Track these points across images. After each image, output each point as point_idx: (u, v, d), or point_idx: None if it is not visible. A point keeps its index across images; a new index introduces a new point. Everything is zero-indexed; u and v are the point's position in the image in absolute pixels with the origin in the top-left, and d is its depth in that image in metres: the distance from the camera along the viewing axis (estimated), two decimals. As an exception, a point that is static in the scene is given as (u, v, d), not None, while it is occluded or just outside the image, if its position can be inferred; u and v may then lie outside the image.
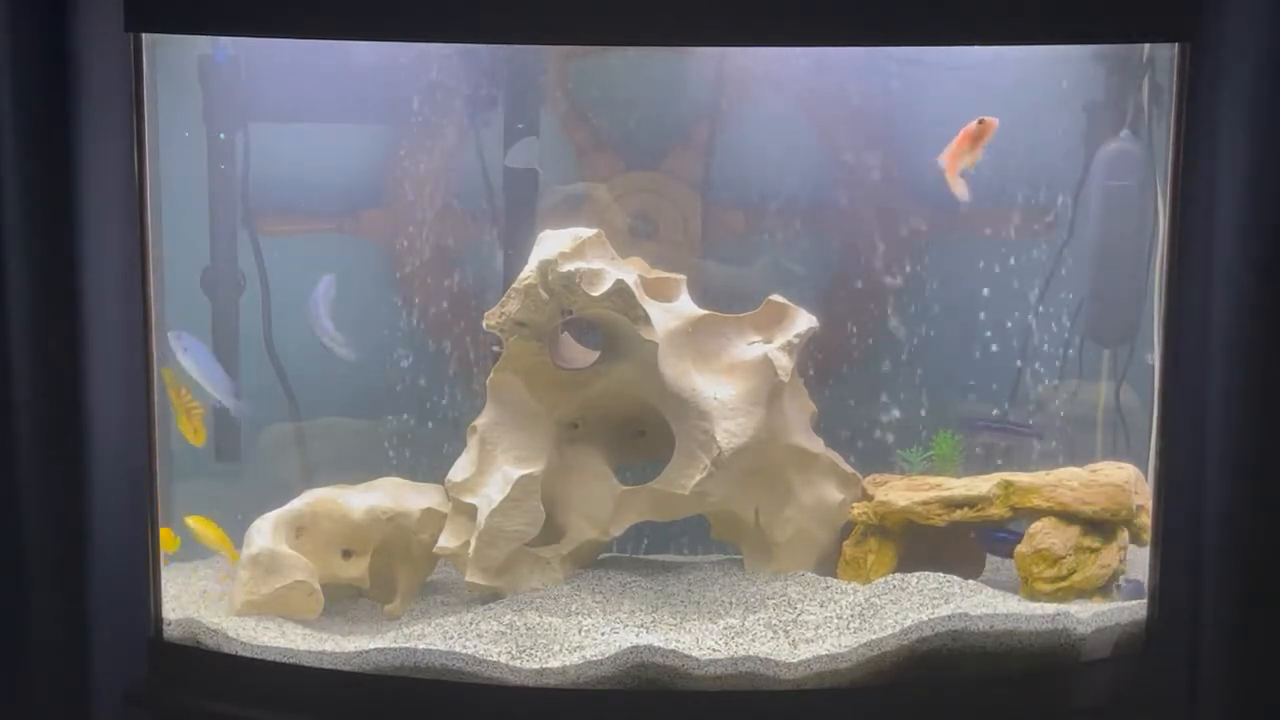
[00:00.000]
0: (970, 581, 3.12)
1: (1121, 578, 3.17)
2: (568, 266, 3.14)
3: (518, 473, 3.17)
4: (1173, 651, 3.23)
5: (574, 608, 3.10)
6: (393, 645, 2.98)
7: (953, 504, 3.21)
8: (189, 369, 3.26)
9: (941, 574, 3.12)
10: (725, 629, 3.03)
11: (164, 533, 3.17)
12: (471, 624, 3.04)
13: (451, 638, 2.99)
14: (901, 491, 3.25)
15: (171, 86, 3.25)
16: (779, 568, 3.25)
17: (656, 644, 2.92)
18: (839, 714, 2.94)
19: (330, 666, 2.98)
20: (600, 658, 2.92)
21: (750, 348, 3.25)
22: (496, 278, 3.41)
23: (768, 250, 3.44)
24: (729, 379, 3.20)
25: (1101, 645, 3.06)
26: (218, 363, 3.32)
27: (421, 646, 2.96)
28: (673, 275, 3.28)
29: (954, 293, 3.43)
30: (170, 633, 3.12)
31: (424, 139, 3.41)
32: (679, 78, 3.41)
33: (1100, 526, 3.16)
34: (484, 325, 3.23)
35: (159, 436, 3.14)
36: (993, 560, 3.30)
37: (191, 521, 3.25)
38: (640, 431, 3.33)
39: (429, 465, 3.38)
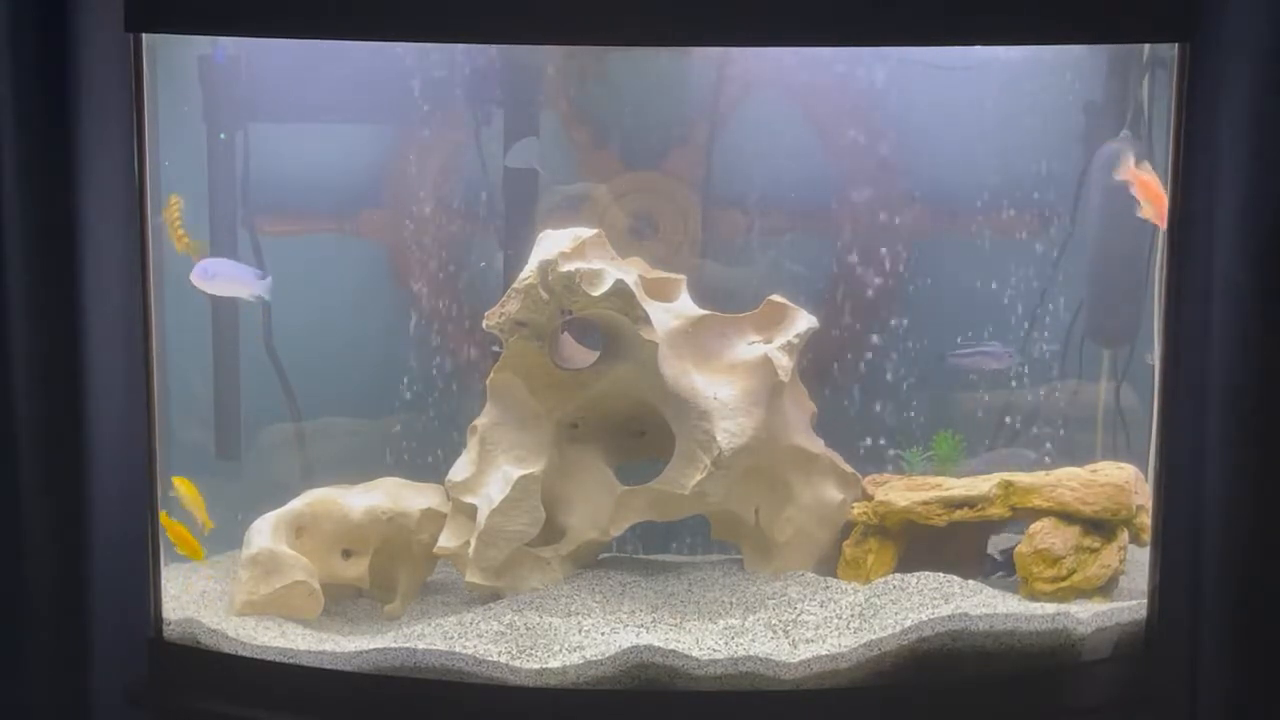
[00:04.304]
0: (970, 581, 3.12)
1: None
2: (568, 266, 3.14)
3: (518, 473, 3.17)
4: (1173, 651, 3.23)
5: (574, 608, 3.10)
6: (393, 645, 2.98)
7: (953, 504, 3.21)
8: (222, 288, 3.27)
9: (941, 574, 3.12)
10: (725, 629, 3.03)
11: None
12: (471, 624, 3.04)
13: (451, 638, 2.99)
14: (901, 491, 3.25)
15: (171, 86, 3.25)
16: (779, 568, 3.25)
17: (656, 644, 2.92)
18: (839, 714, 2.94)
19: (330, 666, 2.98)
20: (600, 658, 2.92)
21: (750, 348, 3.25)
22: (496, 278, 3.41)
23: (768, 250, 3.45)
24: (729, 379, 3.20)
25: (1101, 645, 3.06)
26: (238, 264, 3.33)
27: (421, 646, 2.96)
28: (673, 275, 3.28)
29: (954, 293, 3.43)
30: (170, 633, 3.12)
31: (424, 139, 3.41)
32: (679, 78, 3.41)
33: (1100, 526, 3.17)
34: (484, 325, 3.23)
35: (159, 436, 3.14)
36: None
37: (178, 482, 3.25)
38: (640, 431, 3.33)
39: (429, 465, 3.38)
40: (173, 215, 3.23)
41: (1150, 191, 3.12)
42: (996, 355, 3.33)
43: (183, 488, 3.26)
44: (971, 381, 3.44)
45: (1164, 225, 3.11)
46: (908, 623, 2.97)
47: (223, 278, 3.27)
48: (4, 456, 3.28)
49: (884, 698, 2.95)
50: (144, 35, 3.03)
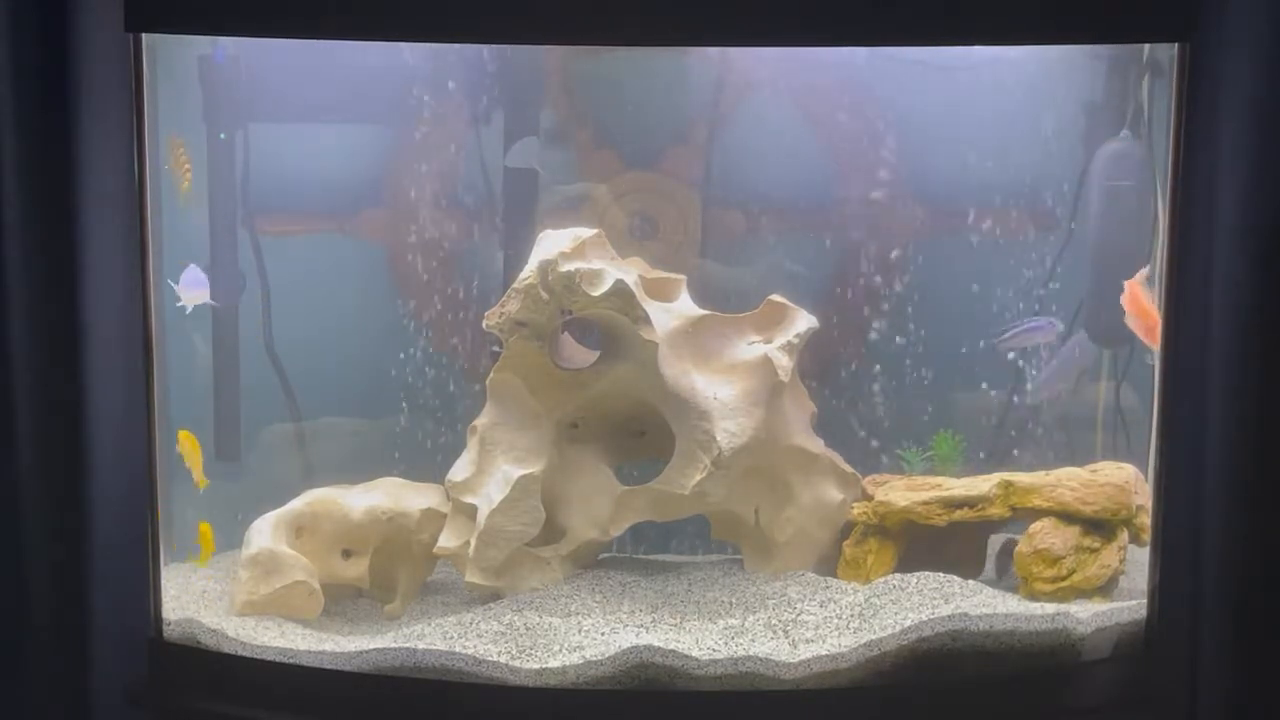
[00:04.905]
0: (970, 581, 3.12)
1: None
2: (568, 266, 3.14)
3: (518, 472, 3.17)
4: (1173, 651, 3.23)
5: (574, 608, 3.10)
6: (393, 645, 2.98)
7: (953, 504, 3.21)
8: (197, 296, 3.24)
9: (941, 574, 3.12)
10: (725, 629, 3.03)
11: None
12: (471, 624, 3.04)
13: (451, 638, 2.99)
14: (901, 491, 3.25)
15: (171, 86, 3.25)
16: (779, 568, 3.25)
17: (656, 644, 2.92)
18: (839, 714, 2.94)
19: (330, 666, 2.98)
20: (600, 658, 2.92)
21: (750, 348, 3.25)
22: (496, 278, 3.41)
23: (768, 250, 3.45)
24: (729, 379, 3.20)
25: (1101, 645, 3.06)
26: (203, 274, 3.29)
27: (421, 646, 2.96)
28: (673, 275, 3.28)
29: (953, 293, 3.43)
30: (170, 633, 3.12)
31: (424, 139, 3.41)
32: (679, 78, 3.41)
33: (1100, 526, 3.17)
34: (484, 325, 3.23)
35: (159, 436, 3.14)
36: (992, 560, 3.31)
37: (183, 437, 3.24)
38: (640, 431, 3.33)
39: (429, 465, 3.38)
40: (178, 158, 3.21)
41: (1138, 306, 3.14)
42: (1042, 329, 3.33)
43: (186, 442, 3.25)
44: (971, 382, 3.44)
45: (1155, 343, 3.12)
46: (908, 623, 2.97)
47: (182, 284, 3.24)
48: (4, 457, 3.28)
49: (884, 698, 2.95)
50: (144, 35, 3.03)
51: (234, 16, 2.97)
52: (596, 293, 3.12)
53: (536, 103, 3.41)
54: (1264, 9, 3.14)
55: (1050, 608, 3.05)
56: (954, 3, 2.92)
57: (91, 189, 3.29)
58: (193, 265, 3.22)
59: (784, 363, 3.21)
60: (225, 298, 3.36)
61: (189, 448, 3.26)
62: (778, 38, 2.98)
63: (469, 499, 3.20)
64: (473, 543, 3.16)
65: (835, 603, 3.10)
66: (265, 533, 3.20)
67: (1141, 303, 3.14)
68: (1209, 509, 3.27)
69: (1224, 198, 3.21)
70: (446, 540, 3.22)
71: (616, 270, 3.15)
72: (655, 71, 3.40)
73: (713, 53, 3.36)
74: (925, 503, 3.21)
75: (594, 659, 2.92)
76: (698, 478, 3.13)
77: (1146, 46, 3.24)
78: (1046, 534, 3.14)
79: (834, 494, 3.30)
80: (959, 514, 3.20)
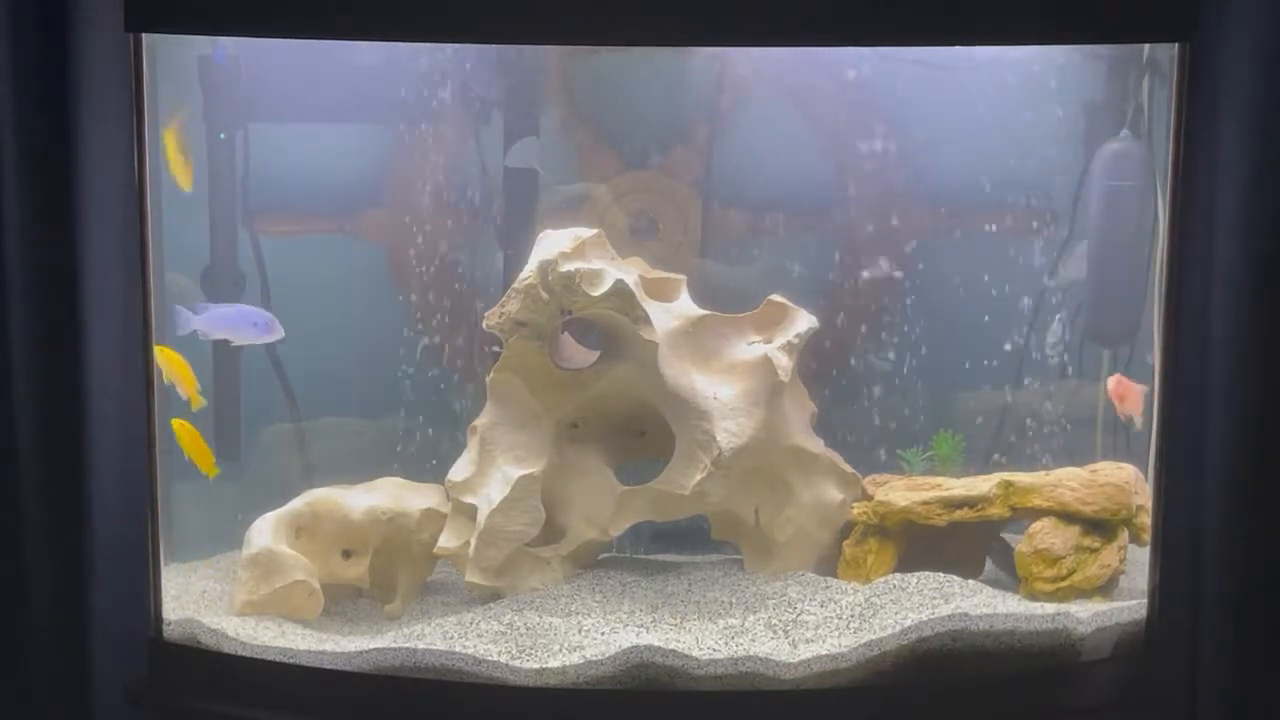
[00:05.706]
0: (970, 581, 3.12)
1: None
2: (568, 266, 3.14)
3: (518, 473, 3.17)
4: (1173, 651, 3.23)
5: (574, 608, 3.10)
6: (393, 645, 2.98)
7: (953, 504, 3.21)
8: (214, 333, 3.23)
9: (941, 574, 3.12)
10: (725, 629, 3.03)
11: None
12: (471, 624, 3.04)
13: (451, 638, 2.99)
14: (901, 491, 3.25)
15: (171, 86, 3.25)
16: (779, 568, 3.25)
17: (656, 644, 2.92)
18: (839, 714, 2.94)
19: (330, 666, 2.98)
20: (600, 658, 2.92)
21: (750, 348, 3.25)
22: (496, 278, 3.42)
23: (768, 250, 3.45)
24: (729, 379, 3.20)
25: (1101, 645, 3.06)
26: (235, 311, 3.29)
27: (421, 646, 2.96)
28: (673, 275, 3.28)
29: (953, 293, 3.43)
30: (170, 633, 3.12)
31: (424, 139, 3.41)
32: (679, 77, 3.41)
33: (1100, 526, 3.17)
34: (484, 325, 3.23)
35: (159, 435, 3.14)
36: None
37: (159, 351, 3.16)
38: (640, 431, 3.33)
39: (429, 465, 3.38)
40: (172, 142, 3.21)
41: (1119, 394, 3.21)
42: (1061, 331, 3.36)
43: (164, 358, 3.16)
44: (971, 382, 3.44)
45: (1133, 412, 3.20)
46: (908, 623, 2.97)
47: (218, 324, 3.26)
48: (4, 457, 3.28)
49: (884, 698, 2.95)
50: (144, 35, 3.03)
51: (234, 16, 2.97)
52: (596, 293, 3.12)
53: (536, 102, 3.41)
54: (1264, 9, 3.14)
55: (1050, 608, 3.05)
56: (954, 3, 2.92)
57: (91, 189, 3.29)
58: (233, 307, 3.24)
59: (784, 363, 3.21)
60: (225, 297, 3.37)
61: (171, 363, 3.17)
62: (778, 38, 2.98)
63: (469, 499, 3.20)
64: (473, 543, 3.16)
65: (835, 603, 3.10)
66: (265, 533, 3.20)
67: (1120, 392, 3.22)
68: (1209, 509, 3.27)
69: (1224, 198, 3.21)
70: (446, 540, 3.22)
71: (616, 270, 3.15)
72: (655, 71, 3.40)
73: (713, 52, 3.36)
74: (925, 503, 3.21)
75: (594, 659, 2.92)
76: (698, 478, 3.13)
77: (1146, 46, 3.24)
78: (1046, 534, 3.14)
79: (834, 494, 3.30)
80: (959, 514, 3.20)
